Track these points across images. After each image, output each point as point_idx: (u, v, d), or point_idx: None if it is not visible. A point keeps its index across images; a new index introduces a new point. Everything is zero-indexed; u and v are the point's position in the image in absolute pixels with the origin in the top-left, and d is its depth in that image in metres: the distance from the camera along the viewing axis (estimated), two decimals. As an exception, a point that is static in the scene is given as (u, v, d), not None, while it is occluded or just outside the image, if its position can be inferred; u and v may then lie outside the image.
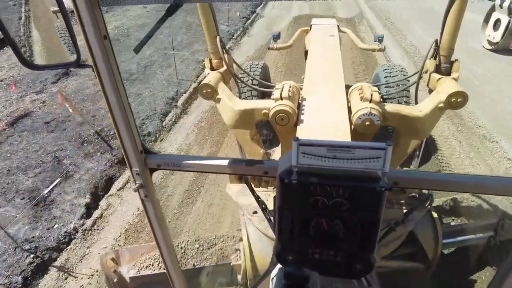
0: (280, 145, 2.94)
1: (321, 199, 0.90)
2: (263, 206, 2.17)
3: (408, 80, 3.77)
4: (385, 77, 4.25)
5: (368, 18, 13.69)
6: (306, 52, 3.84)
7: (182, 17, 12.49)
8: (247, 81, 3.61)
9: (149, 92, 7.48)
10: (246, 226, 2.68)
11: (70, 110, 5.64)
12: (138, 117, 6.50)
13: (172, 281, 1.95)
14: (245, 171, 1.32)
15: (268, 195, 2.84)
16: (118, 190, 5.12)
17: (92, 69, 1.11)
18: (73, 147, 5.71)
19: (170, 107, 7.12)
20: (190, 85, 7.94)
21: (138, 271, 3.17)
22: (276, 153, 3.19)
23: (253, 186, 2.74)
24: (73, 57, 1.17)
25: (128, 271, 3.18)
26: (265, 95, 3.90)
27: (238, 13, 14.30)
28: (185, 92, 7.55)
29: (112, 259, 3.20)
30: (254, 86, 3.37)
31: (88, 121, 6.00)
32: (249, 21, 13.45)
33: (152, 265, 3.21)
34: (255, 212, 2.73)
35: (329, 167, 0.86)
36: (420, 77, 2.39)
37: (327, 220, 0.93)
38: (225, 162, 1.29)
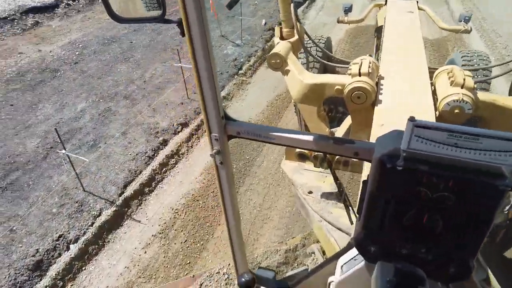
0: (342, 125, 2.89)
1: (424, 191, 0.82)
2: (341, 189, 2.12)
3: (490, 70, 3.55)
4: (463, 64, 3.87)
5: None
6: (377, 29, 3.87)
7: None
8: (315, 54, 3.67)
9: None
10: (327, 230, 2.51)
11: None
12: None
13: (233, 250, 1.88)
14: (331, 150, 1.23)
15: (325, 176, 2.80)
16: None
17: (178, 25, 1.09)
18: None
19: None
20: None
21: None
22: (338, 133, 3.01)
23: (308, 164, 2.79)
24: (157, 12, 1.17)
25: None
26: (327, 71, 3.96)
27: (263, 21, 10.84)
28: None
29: None
30: (325, 61, 3.25)
31: None
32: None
33: None
34: (310, 192, 2.72)
35: (447, 156, 0.77)
36: None
37: (427, 214, 0.85)
38: (309, 138, 1.24)
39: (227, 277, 3.12)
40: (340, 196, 2.21)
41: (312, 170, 2.84)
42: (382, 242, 0.96)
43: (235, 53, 9.01)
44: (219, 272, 3.12)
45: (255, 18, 11.32)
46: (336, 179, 2.18)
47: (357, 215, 1.01)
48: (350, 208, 2.11)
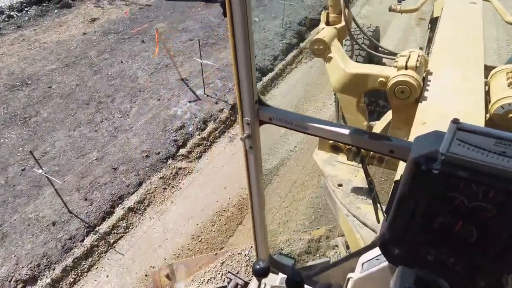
0: (381, 119, 2.90)
1: (460, 198, 0.81)
2: (372, 186, 2.25)
3: None
4: None
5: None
6: (432, 20, 3.85)
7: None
8: (361, 43, 3.77)
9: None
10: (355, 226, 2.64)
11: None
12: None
13: (255, 235, 2.04)
14: (366, 145, 1.27)
15: (357, 171, 2.89)
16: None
17: (221, 5, 1.45)
18: None
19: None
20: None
21: (199, 286, 3.05)
22: (376, 128, 3.00)
23: (339, 157, 2.93)
24: None
25: (186, 288, 3.25)
26: (373, 62, 3.96)
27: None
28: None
29: (167, 276, 3.14)
30: (371, 51, 3.25)
31: None
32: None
33: (214, 278, 3.05)
34: (340, 185, 2.79)
35: (492, 165, 0.75)
36: None
37: (461, 223, 0.86)
38: (344, 130, 1.27)
39: (248, 259, 3.17)
40: (370, 192, 2.26)
41: (345, 163, 2.90)
42: (407, 245, 0.95)
43: (187, 115, 6.50)
44: (240, 253, 3.16)
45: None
46: (367, 175, 2.21)
47: (384, 215, 1.02)
48: (379, 206, 2.15)
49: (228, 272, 2.97)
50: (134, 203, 5.03)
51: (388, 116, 2.72)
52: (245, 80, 1.27)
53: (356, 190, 2.72)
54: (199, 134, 6.22)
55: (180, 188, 5.43)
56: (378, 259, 1.28)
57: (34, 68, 7.82)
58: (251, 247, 3.16)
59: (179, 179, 5.58)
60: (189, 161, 5.88)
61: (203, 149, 6.11)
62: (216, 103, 7.06)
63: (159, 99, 7.12)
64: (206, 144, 6.23)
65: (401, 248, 0.93)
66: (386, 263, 1.14)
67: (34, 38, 8.97)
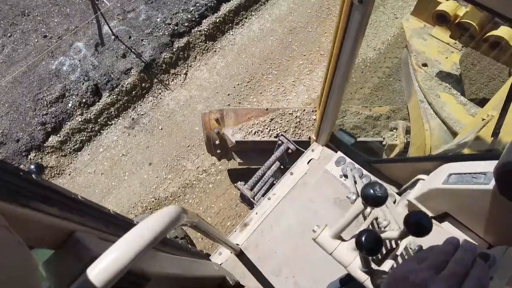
0: None
1: None
2: None
3: None
4: None
5: None
6: None
7: None
8: None
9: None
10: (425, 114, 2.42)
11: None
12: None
13: (325, 110, 1.85)
14: None
15: (451, 52, 2.50)
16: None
17: None
18: None
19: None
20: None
21: (246, 135, 3.14)
22: None
23: (437, 32, 2.53)
24: None
25: (233, 134, 3.20)
26: None
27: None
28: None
29: (216, 120, 3.26)
30: None
31: None
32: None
33: (262, 132, 3.13)
34: (425, 65, 2.46)
35: None
36: None
37: None
38: None
39: (299, 121, 3.18)
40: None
41: (439, 39, 2.48)
42: None
43: (75, 73, 4.81)
44: (292, 113, 3.18)
45: None
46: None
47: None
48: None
49: (281, 134, 2.98)
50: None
51: None
52: None
53: (442, 75, 2.43)
54: (82, 114, 4.54)
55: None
56: (475, 178, 1.11)
57: None
58: (304, 110, 3.18)
59: (40, 185, 4.30)
60: (62, 155, 4.45)
61: (86, 136, 4.56)
62: (124, 56, 4.94)
63: (46, 35, 5.04)
64: (92, 128, 4.61)
65: None
66: (490, 188, 1.02)
67: None
